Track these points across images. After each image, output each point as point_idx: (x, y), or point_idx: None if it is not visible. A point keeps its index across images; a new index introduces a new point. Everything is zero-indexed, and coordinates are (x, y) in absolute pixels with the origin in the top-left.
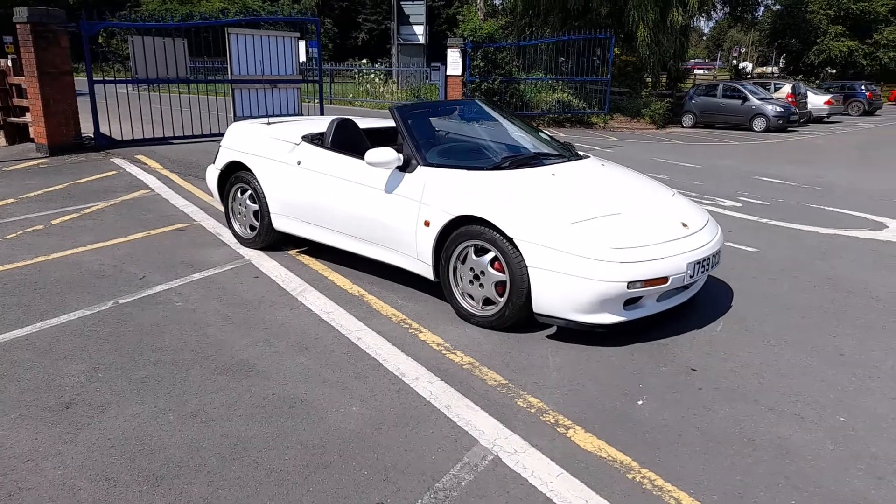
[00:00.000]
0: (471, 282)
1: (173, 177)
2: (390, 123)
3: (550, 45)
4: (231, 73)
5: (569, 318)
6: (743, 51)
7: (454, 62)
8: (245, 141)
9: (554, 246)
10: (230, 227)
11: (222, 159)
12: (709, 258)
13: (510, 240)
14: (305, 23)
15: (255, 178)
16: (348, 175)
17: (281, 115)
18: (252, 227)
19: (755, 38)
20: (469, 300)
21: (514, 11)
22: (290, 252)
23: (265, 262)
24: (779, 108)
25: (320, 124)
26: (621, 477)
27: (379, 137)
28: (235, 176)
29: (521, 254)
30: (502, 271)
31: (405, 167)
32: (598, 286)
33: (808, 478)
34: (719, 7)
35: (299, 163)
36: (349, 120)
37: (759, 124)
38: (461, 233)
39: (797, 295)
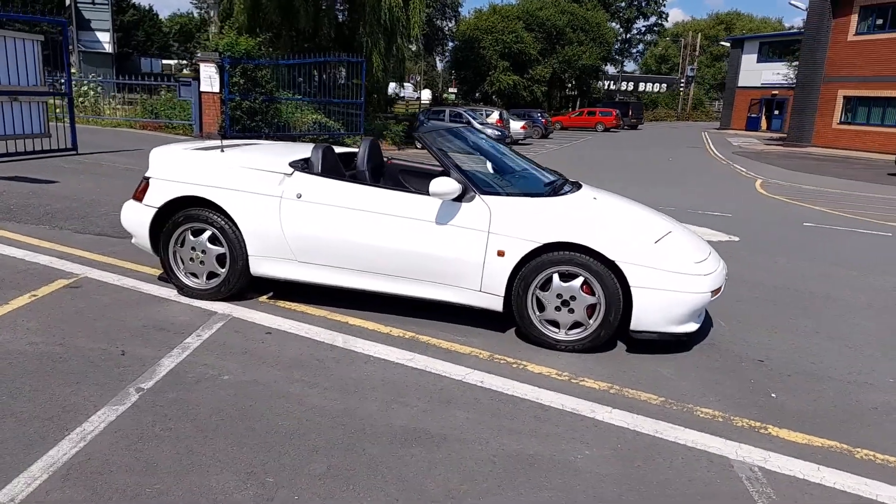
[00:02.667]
0: (557, 308)
1: None
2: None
3: (291, 66)
4: None
5: (664, 330)
6: (417, 79)
7: (209, 78)
8: (201, 172)
9: (652, 265)
10: (172, 277)
11: (163, 194)
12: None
13: (610, 262)
14: (49, 24)
15: (227, 216)
16: (381, 207)
17: (24, 135)
18: (212, 275)
19: (423, 67)
20: (550, 327)
21: (239, 27)
22: (262, 299)
23: (255, 315)
24: (497, 132)
25: (284, 150)
26: (853, 459)
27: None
28: (185, 215)
29: (623, 275)
30: (591, 294)
31: (460, 197)
32: (694, 298)
33: None
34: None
35: (300, 196)
36: (329, 146)
37: None
38: (545, 260)
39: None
